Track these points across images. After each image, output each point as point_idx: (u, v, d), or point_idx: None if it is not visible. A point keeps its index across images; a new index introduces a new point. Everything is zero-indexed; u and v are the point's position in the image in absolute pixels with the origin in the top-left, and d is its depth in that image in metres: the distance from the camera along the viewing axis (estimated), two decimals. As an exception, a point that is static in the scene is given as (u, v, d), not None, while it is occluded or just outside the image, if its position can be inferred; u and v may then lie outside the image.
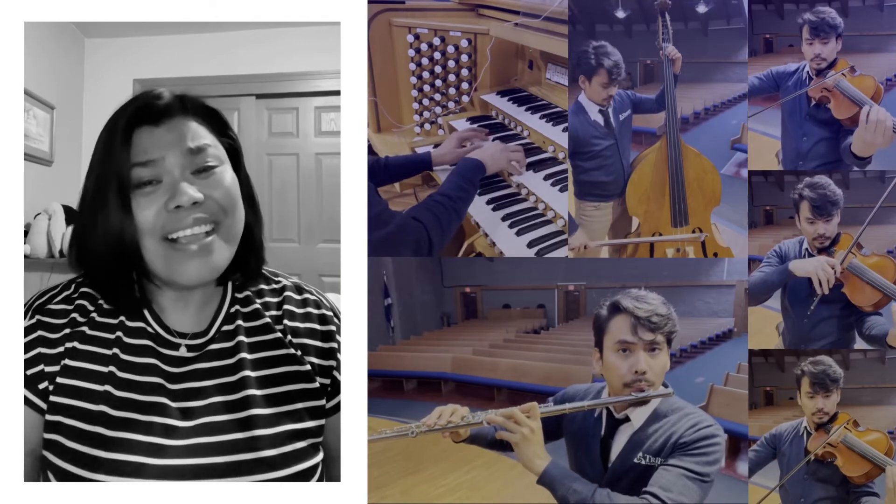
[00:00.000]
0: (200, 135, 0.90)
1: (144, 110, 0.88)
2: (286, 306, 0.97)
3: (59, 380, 0.85)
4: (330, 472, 0.96)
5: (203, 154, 0.88)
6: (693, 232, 1.52)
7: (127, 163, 0.85)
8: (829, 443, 1.29)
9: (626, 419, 1.04)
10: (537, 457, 0.99)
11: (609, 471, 1.04)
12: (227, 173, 0.90)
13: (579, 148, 1.48)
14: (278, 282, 1.01)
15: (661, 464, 0.98)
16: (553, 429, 1.11)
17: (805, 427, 1.36)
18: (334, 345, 0.96)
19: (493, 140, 1.67)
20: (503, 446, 1.14)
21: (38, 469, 0.86)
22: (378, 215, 1.27)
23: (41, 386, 0.85)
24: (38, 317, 0.89)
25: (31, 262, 3.05)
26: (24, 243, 3.05)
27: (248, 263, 0.96)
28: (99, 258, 0.87)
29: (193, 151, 0.87)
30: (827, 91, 1.44)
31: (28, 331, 0.88)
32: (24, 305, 0.92)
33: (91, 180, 0.88)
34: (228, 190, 0.89)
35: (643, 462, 1.00)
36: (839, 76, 1.43)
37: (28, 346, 0.87)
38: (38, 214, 3.11)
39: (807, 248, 1.43)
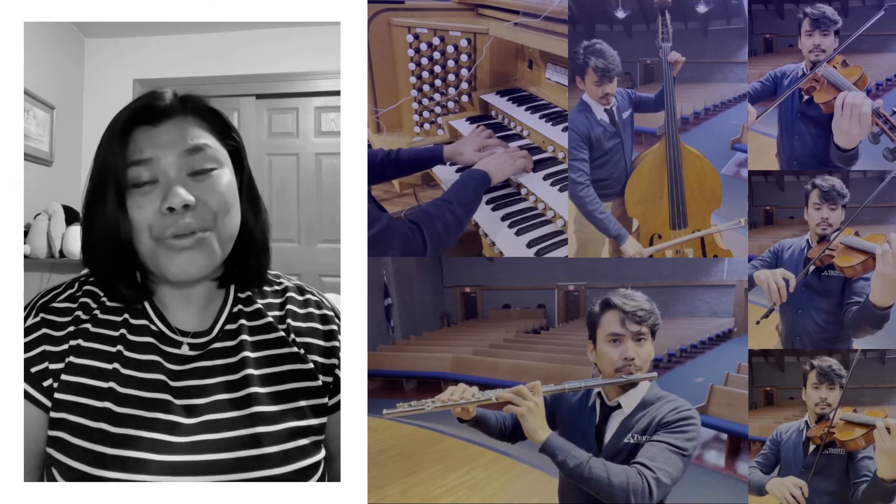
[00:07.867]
0: (199, 136, 0.90)
1: (144, 110, 0.89)
2: (288, 306, 0.99)
3: (63, 377, 0.86)
4: (330, 469, 0.97)
5: (200, 155, 0.89)
6: (693, 233, 1.52)
7: (123, 161, 0.86)
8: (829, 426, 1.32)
9: (618, 406, 1.18)
10: (540, 428, 1.11)
11: (603, 451, 1.16)
12: (224, 176, 0.91)
13: (584, 145, 1.48)
14: (280, 283, 1.03)
15: (647, 440, 1.13)
16: (548, 418, 1.19)
17: (806, 421, 1.38)
18: (336, 343, 0.98)
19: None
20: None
21: (41, 467, 0.87)
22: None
23: (45, 383, 0.86)
24: (42, 315, 0.89)
25: (31, 262, 3.06)
26: (24, 243, 3.05)
27: (246, 264, 0.96)
28: (97, 252, 0.89)
29: (190, 152, 0.88)
30: (815, 81, 1.45)
31: (33, 328, 0.88)
32: (28, 304, 0.92)
33: (93, 176, 0.89)
34: (224, 195, 0.89)
35: (631, 441, 1.14)
36: (827, 66, 1.44)
37: (33, 344, 0.87)
38: (38, 214, 3.12)
39: (807, 240, 1.44)
